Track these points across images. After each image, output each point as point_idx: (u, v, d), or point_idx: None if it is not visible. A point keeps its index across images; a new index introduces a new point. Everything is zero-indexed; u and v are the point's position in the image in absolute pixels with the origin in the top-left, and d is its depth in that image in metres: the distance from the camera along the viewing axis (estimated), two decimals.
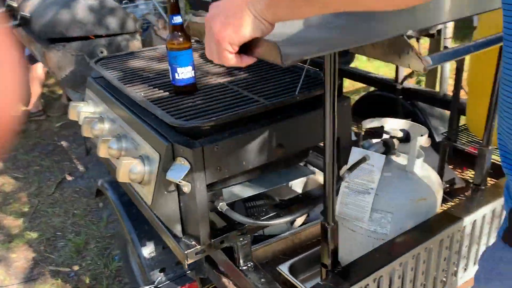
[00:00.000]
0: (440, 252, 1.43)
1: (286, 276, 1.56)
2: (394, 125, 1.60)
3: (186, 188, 1.14)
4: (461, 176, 2.40)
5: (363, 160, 1.39)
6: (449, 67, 2.33)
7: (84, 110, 1.54)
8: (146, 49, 1.81)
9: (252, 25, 0.75)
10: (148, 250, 1.74)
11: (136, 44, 2.24)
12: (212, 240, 1.23)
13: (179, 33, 1.27)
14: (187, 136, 1.17)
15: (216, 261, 1.47)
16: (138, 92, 1.38)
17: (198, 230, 1.19)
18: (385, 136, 1.57)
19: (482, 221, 1.51)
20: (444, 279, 1.52)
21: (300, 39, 0.85)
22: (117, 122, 1.39)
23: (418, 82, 4.01)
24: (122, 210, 1.78)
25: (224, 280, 1.64)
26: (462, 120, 2.20)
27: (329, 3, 0.74)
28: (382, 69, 4.90)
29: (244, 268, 1.33)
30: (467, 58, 1.87)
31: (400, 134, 1.56)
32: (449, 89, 2.35)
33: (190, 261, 1.20)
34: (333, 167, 0.98)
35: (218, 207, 1.23)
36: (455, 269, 1.55)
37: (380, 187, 1.44)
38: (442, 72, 2.35)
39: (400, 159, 1.54)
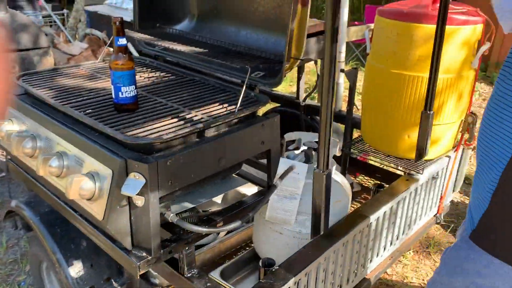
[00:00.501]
0: (353, 246, 1.67)
1: (218, 281, 1.67)
2: (310, 138, 1.83)
3: (140, 202, 1.20)
4: (356, 181, 2.75)
5: (290, 169, 1.58)
6: (343, 86, 2.67)
7: (9, 128, 1.48)
8: (71, 65, 1.78)
9: None
10: (75, 270, 1.71)
11: (49, 60, 2.15)
12: (162, 251, 1.29)
13: (124, 54, 1.32)
14: (139, 152, 1.23)
15: (158, 272, 1.52)
16: (77, 110, 1.38)
17: (150, 242, 1.24)
18: (303, 147, 1.79)
19: (383, 217, 1.79)
20: (355, 271, 1.77)
21: None
22: (53, 140, 1.37)
23: (312, 99, 4.42)
24: (44, 230, 1.72)
25: None
26: (355, 132, 2.54)
27: None
28: (282, 87, 5.27)
29: (189, 275, 1.41)
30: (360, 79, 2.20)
31: (315, 146, 1.79)
32: (343, 106, 2.69)
33: (142, 271, 1.25)
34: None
35: (168, 219, 1.30)
36: (363, 261, 1.81)
37: (303, 193, 1.64)
38: (337, 90, 2.68)
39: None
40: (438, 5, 1.85)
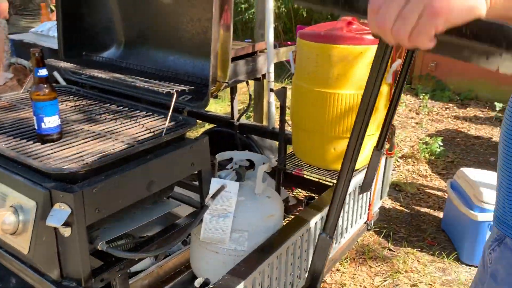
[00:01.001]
0: (288, 258, 1.74)
1: None
2: (241, 157, 1.89)
3: (66, 232, 1.19)
4: (292, 195, 2.84)
5: (222, 188, 1.62)
6: (275, 105, 2.78)
7: None
8: None
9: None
10: None
11: None
12: (93, 279, 1.28)
13: (45, 85, 1.32)
14: (63, 181, 1.22)
15: None
16: None
17: (80, 272, 1.23)
18: (234, 166, 1.84)
19: (314, 227, 1.88)
20: (291, 283, 1.84)
21: None
22: None
23: (248, 118, 4.53)
24: None
25: None
26: (289, 148, 2.64)
27: None
28: (212, 107, 5.34)
29: None
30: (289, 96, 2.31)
31: (247, 164, 1.85)
32: (276, 123, 2.79)
33: None
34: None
35: (98, 247, 1.29)
36: (299, 272, 1.88)
37: (236, 210, 1.69)
38: (269, 110, 2.78)
39: (249, 185, 1.82)
40: (352, 26, 2.01)
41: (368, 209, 2.33)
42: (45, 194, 1.17)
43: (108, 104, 1.75)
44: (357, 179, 2.12)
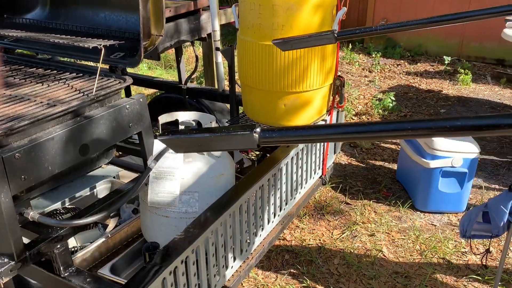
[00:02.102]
0: (242, 216, 1.69)
1: (108, 277, 1.60)
2: (186, 117, 1.80)
3: None
4: (247, 157, 2.79)
5: (166, 149, 1.54)
6: (223, 67, 2.68)
7: None
8: None
9: None
10: None
11: None
12: (28, 253, 1.18)
13: None
14: None
15: (31, 277, 1.40)
16: None
17: (10, 246, 1.13)
18: (180, 127, 1.76)
19: (268, 184, 1.84)
20: (248, 241, 1.80)
21: None
22: None
23: (200, 83, 4.40)
24: None
25: None
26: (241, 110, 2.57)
27: None
28: (163, 76, 5.16)
29: (67, 274, 1.31)
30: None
31: (193, 124, 1.77)
32: (226, 86, 2.70)
33: (6, 279, 1.13)
34: None
35: (29, 217, 1.19)
36: (255, 229, 1.84)
37: (184, 172, 1.61)
38: (218, 71, 2.68)
39: None
40: None
41: (323, 164, 2.32)
42: None
43: (34, 68, 1.61)
44: None
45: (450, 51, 5.52)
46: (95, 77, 1.42)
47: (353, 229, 2.58)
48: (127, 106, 1.39)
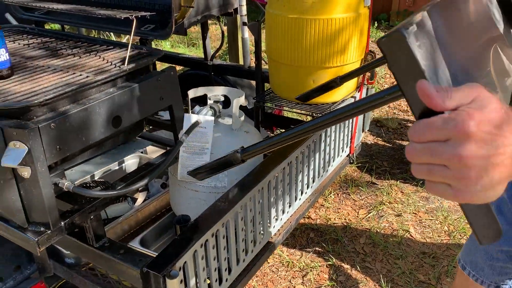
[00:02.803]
0: (270, 192, 1.68)
1: (138, 249, 1.61)
2: (215, 92, 1.78)
3: (26, 172, 1.09)
4: (272, 135, 2.77)
5: (196, 124, 1.53)
6: (249, 41, 2.64)
7: None
8: None
9: None
10: None
11: None
12: (63, 223, 1.20)
13: None
14: (17, 119, 1.11)
15: (65, 248, 1.42)
16: None
17: (46, 215, 1.15)
18: (209, 102, 1.74)
19: (296, 161, 1.82)
20: (276, 217, 1.79)
21: None
22: None
23: (224, 60, 4.36)
24: None
25: (73, 272, 1.60)
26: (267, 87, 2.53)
27: None
28: (188, 53, 5.13)
29: (99, 245, 1.33)
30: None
31: (222, 99, 1.75)
32: (252, 62, 2.67)
33: (42, 248, 1.15)
34: None
35: (64, 188, 1.20)
36: (282, 206, 1.83)
37: (213, 147, 1.60)
38: (244, 47, 2.64)
39: (225, 120, 1.73)
40: None
41: (351, 142, 2.28)
42: None
43: (65, 41, 1.60)
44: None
45: None
46: (127, 49, 1.40)
47: (379, 209, 2.55)
48: (159, 78, 1.38)
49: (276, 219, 1.79)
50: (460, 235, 2.35)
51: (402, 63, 0.59)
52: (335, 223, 2.48)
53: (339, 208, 2.59)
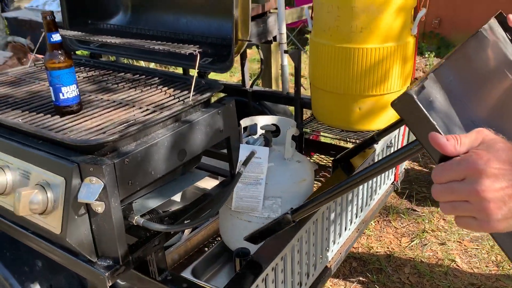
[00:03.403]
0: (323, 223, 1.67)
1: (193, 281, 1.60)
2: (265, 121, 1.79)
3: (100, 208, 1.10)
4: (311, 160, 2.76)
5: (252, 154, 1.53)
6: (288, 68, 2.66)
7: None
8: None
9: None
10: None
11: None
12: (130, 257, 1.20)
13: (59, 51, 1.20)
14: (91, 154, 1.13)
15: (127, 281, 1.42)
16: (13, 118, 1.25)
17: (116, 249, 1.15)
18: (260, 131, 1.75)
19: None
20: (327, 248, 1.77)
21: None
22: None
23: (257, 85, 4.39)
24: None
25: None
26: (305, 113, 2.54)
27: None
28: (223, 77, 5.19)
29: (162, 279, 1.33)
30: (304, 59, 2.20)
31: (274, 128, 1.76)
32: (290, 89, 2.68)
33: (111, 282, 1.15)
34: None
35: (133, 222, 1.21)
36: (333, 237, 1.81)
37: (267, 177, 1.60)
38: (283, 73, 2.66)
39: (276, 150, 1.73)
40: None
41: (396, 169, 2.26)
42: (73, 168, 1.08)
43: (122, 73, 1.64)
44: (385, 139, 2.03)
45: None
46: (186, 83, 1.42)
47: (422, 237, 2.50)
48: (219, 111, 1.39)
49: (327, 250, 1.77)
50: (510, 266, 2.28)
51: (415, 120, 0.67)
52: (377, 251, 2.44)
53: (381, 236, 2.54)
